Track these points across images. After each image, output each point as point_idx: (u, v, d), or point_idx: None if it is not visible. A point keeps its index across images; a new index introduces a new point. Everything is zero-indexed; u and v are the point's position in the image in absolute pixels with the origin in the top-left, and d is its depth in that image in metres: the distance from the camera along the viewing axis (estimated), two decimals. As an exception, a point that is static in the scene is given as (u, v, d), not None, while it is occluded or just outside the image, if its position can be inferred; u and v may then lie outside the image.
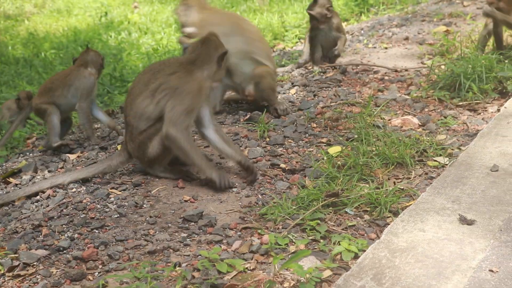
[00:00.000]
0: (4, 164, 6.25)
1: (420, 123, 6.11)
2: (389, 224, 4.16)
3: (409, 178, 4.98)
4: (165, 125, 4.82)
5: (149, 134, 4.98)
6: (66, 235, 4.28)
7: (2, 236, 4.38)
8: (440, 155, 5.30)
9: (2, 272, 3.90)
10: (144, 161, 5.10)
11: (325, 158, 5.25)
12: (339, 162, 5.15)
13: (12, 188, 5.39)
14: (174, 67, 5.07)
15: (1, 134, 7.41)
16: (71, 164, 5.74)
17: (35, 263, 3.97)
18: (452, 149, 5.42)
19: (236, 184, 4.93)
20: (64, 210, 4.62)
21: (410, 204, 4.38)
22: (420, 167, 5.15)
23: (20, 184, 5.44)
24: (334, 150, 5.40)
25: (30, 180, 5.47)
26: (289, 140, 5.78)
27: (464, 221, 4.02)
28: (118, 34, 13.35)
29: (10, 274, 3.88)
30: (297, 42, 11.04)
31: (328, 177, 4.90)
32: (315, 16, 8.03)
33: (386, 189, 4.63)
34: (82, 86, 6.31)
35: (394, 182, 4.89)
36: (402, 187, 4.73)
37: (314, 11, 8.03)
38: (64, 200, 4.80)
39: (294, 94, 7.11)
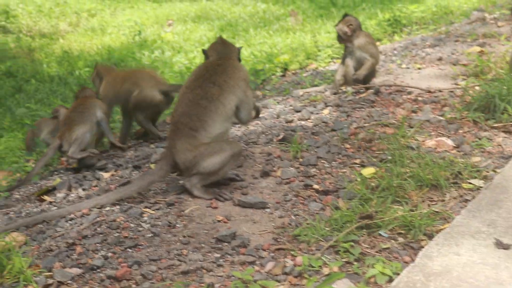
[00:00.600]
0: (38, 181, 6.32)
1: (454, 145, 6.06)
2: (423, 247, 4.12)
3: (444, 200, 4.94)
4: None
5: (215, 149, 5.07)
6: (99, 254, 4.31)
7: (37, 254, 4.42)
8: (475, 178, 5.25)
9: (36, 290, 3.93)
10: (190, 172, 5.12)
11: (358, 179, 5.23)
12: (372, 184, 5.13)
13: (47, 205, 5.44)
14: (211, 69, 5.37)
15: (35, 151, 7.50)
16: (105, 183, 5.78)
17: (69, 282, 3.99)
18: (487, 172, 5.37)
19: (270, 204, 4.93)
20: (98, 229, 4.65)
21: (445, 227, 4.34)
22: (455, 190, 5.11)
23: (54, 202, 5.49)
24: (367, 171, 5.38)
25: (64, 198, 5.52)
26: (322, 161, 5.76)
27: (500, 245, 3.98)
28: (151, 53, 13.45)
29: (45, 292, 3.91)
30: (330, 62, 11.03)
31: (362, 198, 4.88)
32: (337, 33, 8.05)
33: (421, 212, 4.59)
34: None
35: (429, 205, 4.86)
36: (436, 210, 4.69)
37: (337, 27, 8.04)
38: (98, 218, 4.82)
39: (327, 114, 7.10)
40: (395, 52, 10.45)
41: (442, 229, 4.33)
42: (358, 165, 5.67)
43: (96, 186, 5.77)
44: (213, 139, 5.14)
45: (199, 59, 12.31)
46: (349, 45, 8.07)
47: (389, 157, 5.63)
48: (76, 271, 4.09)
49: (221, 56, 5.56)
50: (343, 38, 8.07)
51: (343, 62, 8.19)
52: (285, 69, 10.77)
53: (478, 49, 9.65)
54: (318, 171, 5.56)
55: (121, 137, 7.26)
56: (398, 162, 5.43)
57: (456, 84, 8.11)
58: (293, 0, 19.25)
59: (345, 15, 8.18)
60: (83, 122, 6.48)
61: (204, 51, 5.59)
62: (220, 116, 5.18)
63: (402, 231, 4.45)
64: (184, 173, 5.17)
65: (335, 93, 8.08)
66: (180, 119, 5.16)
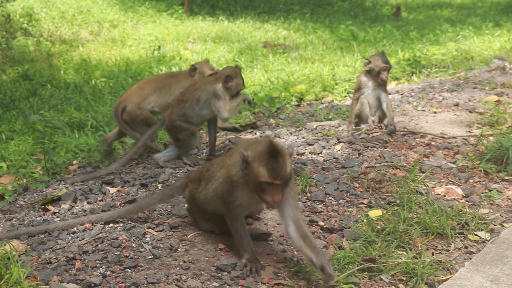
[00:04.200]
0: (44, 189, 6.31)
1: (463, 194, 6.03)
2: (424, 297, 4.09)
3: (448, 250, 4.90)
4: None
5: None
6: (98, 271, 4.27)
7: (36, 265, 4.39)
8: (482, 230, 5.21)
9: (32, 302, 3.90)
10: None
11: (364, 220, 5.20)
12: (378, 226, 5.09)
13: (50, 216, 5.43)
14: None
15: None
16: (111, 198, 5.76)
17: (65, 297, 3.96)
18: (495, 225, 5.33)
19: (273, 237, 4.90)
20: (99, 245, 4.62)
21: (447, 278, 4.31)
22: (460, 240, 5.07)
23: (58, 212, 5.47)
24: (374, 213, 5.35)
25: (68, 210, 5.50)
26: (330, 198, 5.74)
27: (502, 303, 3.94)
28: (169, 69, 13.50)
29: (40, 305, 3.88)
30: (345, 96, 11.03)
31: (366, 240, 4.84)
32: (385, 70, 8.00)
33: (424, 260, 4.55)
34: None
35: (433, 253, 4.81)
36: (440, 259, 4.65)
37: (388, 64, 8.05)
38: (100, 234, 4.80)
39: (339, 150, 7.08)
40: (412, 93, 10.44)
41: (444, 280, 4.29)
42: (365, 206, 5.64)
43: (101, 200, 5.76)
44: None
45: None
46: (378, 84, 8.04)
47: (397, 201, 5.59)
48: (73, 287, 4.06)
49: None
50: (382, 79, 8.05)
51: (357, 100, 8.14)
52: (300, 99, 10.79)
53: (496, 98, 9.63)
54: (325, 207, 5.54)
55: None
56: (406, 207, 5.40)
57: (470, 132, 8.07)
58: (315, 30, 19.34)
59: (384, 52, 8.16)
60: None
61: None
62: None
63: (404, 278, 4.41)
64: None
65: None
66: None
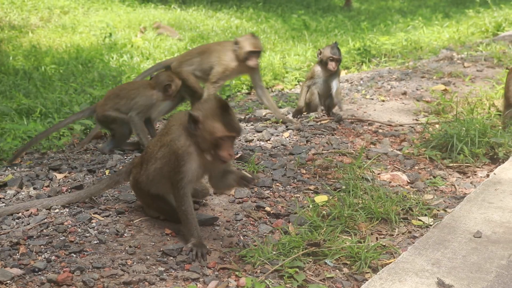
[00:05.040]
0: (-10, 175, 6.23)
1: (408, 180, 6.13)
2: (367, 280, 4.15)
3: (392, 235, 4.99)
4: None
5: None
6: (43, 256, 4.25)
7: (-21, 250, 4.35)
8: (425, 215, 5.30)
9: (-26, 287, 3.87)
10: None
11: (310, 206, 5.25)
12: (324, 212, 5.15)
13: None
14: None
15: None
16: (57, 184, 5.72)
17: (8, 282, 3.92)
18: (438, 210, 5.44)
19: (220, 222, 4.93)
20: (45, 231, 4.59)
21: (390, 262, 4.37)
22: (404, 225, 5.16)
23: (3, 198, 5.41)
24: (320, 199, 5.41)
25: (14, 196, 5.44)
26: (277, 184, 5.78)
27: (442, 285, 4.02)
28: (120, 57, 13.41)
29: (-18, 290, 3.85)
30: (296, 85, 11.08)
31: (312, 225, 4.90)
32: (335, 59, 8.08)
33: (368, 244, 4.63)
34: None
35: (377, 238, 4.90)
36: (384, 244, 4.73)
37: (339, 55, 8.17)
38: (45, 220, 4.77)
39: (287, 137, 7.13)
40: (362, 82, 10.54)
41: (387, 264, 4.36)
42: (312, 192, 5.69)
43: (48, 186, 5.71)
44: None
45: (167, 67, 12.27)
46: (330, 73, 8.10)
47: (343, 187, 5.67)
48: (17, 271, 4.03)
49: None
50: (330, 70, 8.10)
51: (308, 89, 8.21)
52: (251, 87, 10.81)
53: (443, 87, 9.80)
54: (271, 193, 5.58)
55: None
56: (352, 193, 5.47)
57: (417, 120, 8.20)
58: (267, 19, 19.36)
59: (336, 44, 8.21)
60: None
61: None
62: None
63: (348, 262, 4.47)
64: None
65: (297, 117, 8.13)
66: None
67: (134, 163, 5.00)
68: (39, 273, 4.05)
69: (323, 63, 8.11)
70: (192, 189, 4.66)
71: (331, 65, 8.03)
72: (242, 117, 8.26)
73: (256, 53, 7.53)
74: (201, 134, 4.34)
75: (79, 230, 4.63)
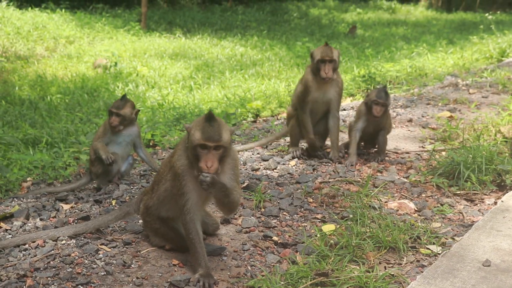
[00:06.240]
0: (-4, 206, 6.23)
1: (416, 208, 6.10)
2: (376, 311, 4.12)
3: (400, 264, 4.95)
4: None
5: None
6: (50, 288, 4.24)
7: (-14, 283, 4.34)
8: (433, 244, 5.27)
9: (-19, 320, 3.85)
10: None
11: (318, 235, 5.23)
12: (331, 241, 5.13)
13: (2, 233, 5.36)
14: None
15: None
16: (64, 215, 5.72)
17: (15, 315, 3.92)
18: (446, 239, 5.40)
19: (227, 252, 4.91)
20: (52, 262, 4.58)
21: (399, 292, 4.35)
22: (412, 254, 5.12)
23: (10, 229, 5.41)
24: (328, 228, 5.39)
25: (20, 227, 5.43)
26: (284, 213, 5.77)
27: (451, 315, 3.99)
28: (125, 85, 13.45)
29: (-11, 323, 3.83)
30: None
31: (320, 255, 4.87)
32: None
33: (377, 274, 4.59)
34: None
35: (385, 267, 4.86)
36: (392, 273, 4.69)
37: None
38: (52, 251, 4.76)
39: (294, 166, 7.12)
40: (367, 109, 10.51)
41: (396, 294, 4.33)
42: (319, 220, 5.67)
43: (54, 217, 5.70)
44: None
45: (172, 95, 12.32)
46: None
47: (351, 215, 5.64)
48: (24, 304, 4.03)
49: None
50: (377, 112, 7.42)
51: None
52: (256, 115, 10.82)
53: (448, 114, 9.79)
54: (279, 222, 5.56)
55: None
56: (359, 221, 5.45)
57: (423, 147, 8.18)
58: (272, 46, 19.43)
59: (384, 87, 7.59)
60: None
61: None
62: None
63: (357, 292, 4.44)
64: None
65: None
66: None
67: (145, 191, 5.02)
68: (46, 305, 4.04)
69: (367, 106, 7.53)
70: (200, 218, 4.65)
71: (375, 110, 7.41)
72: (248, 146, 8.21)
73: None
74: (188, 144, 4.38)
75: (86, 261, 4.61)
